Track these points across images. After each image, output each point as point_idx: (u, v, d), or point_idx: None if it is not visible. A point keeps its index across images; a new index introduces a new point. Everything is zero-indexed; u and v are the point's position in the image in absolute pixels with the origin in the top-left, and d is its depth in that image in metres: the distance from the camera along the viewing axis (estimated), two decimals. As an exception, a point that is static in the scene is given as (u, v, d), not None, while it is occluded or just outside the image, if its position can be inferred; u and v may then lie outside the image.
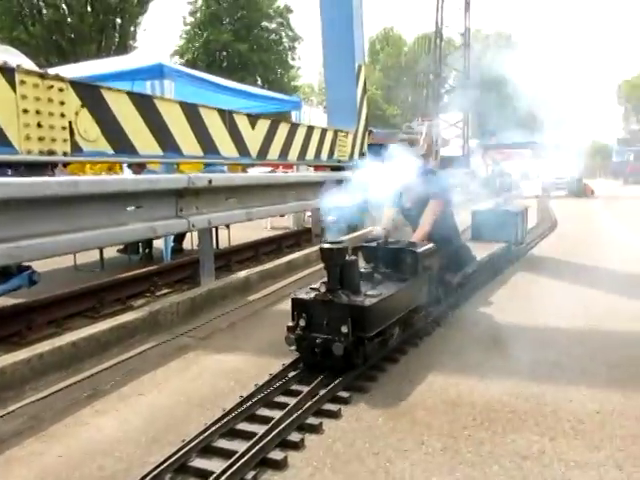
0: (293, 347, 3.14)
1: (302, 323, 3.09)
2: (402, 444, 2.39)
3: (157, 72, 6.94)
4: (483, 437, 2.43)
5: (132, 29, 35.41)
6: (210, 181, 4.90)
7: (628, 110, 70.33)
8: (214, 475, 2.07)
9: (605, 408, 2.67)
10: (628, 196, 19.48)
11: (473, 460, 2.25)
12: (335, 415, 2.66)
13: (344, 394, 2.85)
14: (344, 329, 2.94)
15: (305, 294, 3.21)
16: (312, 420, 2.58)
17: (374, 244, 3.80)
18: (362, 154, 11.16)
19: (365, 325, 2.98)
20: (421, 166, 4.54)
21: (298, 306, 3.15)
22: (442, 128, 22.09)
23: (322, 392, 2.80)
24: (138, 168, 6.81)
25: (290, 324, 3.16)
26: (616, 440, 2.36)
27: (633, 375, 3.07)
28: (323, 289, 3.11)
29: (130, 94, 5.26)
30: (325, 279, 3.17)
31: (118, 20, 34.49)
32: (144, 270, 5.85)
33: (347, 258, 3.17)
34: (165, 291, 5.57)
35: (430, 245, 3.86)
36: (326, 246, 3.13)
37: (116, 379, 3.22)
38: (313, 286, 3.26)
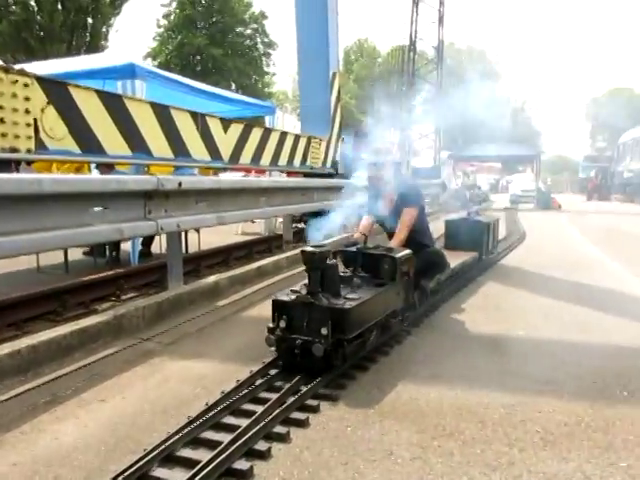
0: (273, 348, 3.18)
1: (282, 324, 3.13)
2: (371, 454, 2.34)
3: (128, 72, 6.81)
4: (452, 447, 2.40)
5: (104, 30, 34.94)
6: (180, 183, 4.80)
7: (595, 127, 72.24)
8: (176, 486, 2.00)
9: (573, 419, 2.66)
10: (593, 211, 19.91)
11: (443, 471, 2.21)
12: (303, 424, 2.59)
13: (313, 402, 2.79)
14: (324, 331, 2.99)
15: (286, 296, 3.23)
16: (279, 429, 2.51)
17: (354, 249, 3.88)
18: (335, 162, 11.17)
19: (345, 327, 3.03)
20: (396, 175, 4.66)
21: (279, 308, 3.19)
22: (414, 139, 22.31)
23: (290, 400, 2.74)
24: (106, 169, 6.66)
25: (270, 325, 3.18)
26: (584, 451, 2.35)
27: (599, 387, 3.08)
28: (304, 291, 3.17)
29: (99, 92, 5.15)
30: (305, 282, 3.22)
31: (90, 20, 34.00)
32: (110, 273, 5.70)
33: (328, 262, 3.23)
34: (131, 295, 5.44)
35: (407, 251, 3.93)
36: (308, 249, 3.17)
37: (77, 385, 3.10)
38: (293, 288, 3.31)
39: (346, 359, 3.14)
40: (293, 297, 3.18)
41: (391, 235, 4.56)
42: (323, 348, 2.94)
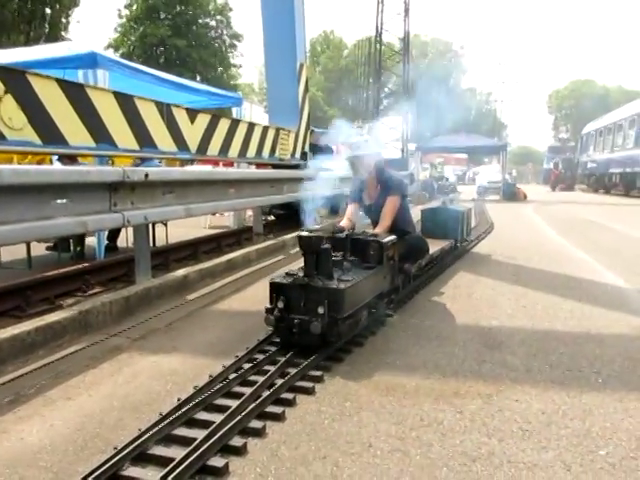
0: (271, 327, 3.39)
1: (280, 305, 3.31)
2: (349, 447, 2.30)
3: (90, 61, 6.61)
4: (431, 438, 2.37)
5: (64, 20, 34.06)
6: (147, 175, 4.67)
7: (558, 119, 73.73)
8: (149, 486, 1.92)
9: (550, 408, 2.66)
10: (558, 201, 20.28)
11: (422, 463, 2.18)
12: (279, 418, 2.53)
13: (288, 395, 2.73)
14: (320, 310, 3.20)
15: (282, 278, 3.41)
16: (255, 423, 2.44)
17: (343, 235, 4.01)
18: (304, 153, 11.09)
19: (339, 307, 3.24)
20: (378, 166, 4.81)
21: (276, 289, 3.38)
22: (381, 131, 22.34)
23: (265, 394, 2.68)
24: (69, 161, 6.45)
25: (268, 306, 3.38)
26: (563, 440, 2.34)
27: (574, 374, 3.10)
28: (301, 274, 3.39)
29: (60, 81, 4.98)
30: (300, 266, 3.49)
31: (48, 10, 33.10)
32: (75, 268, 5.53)
33: (322, 246, 3.42)
34: (98, 290, 5.28)
35: (393, 237, 4.13)
36: (304, 234, 3.41)
37: (42, 383, 2.98)
38: (289, 272, 3.49)
39: (341, 336, 3.33)
40: (290, 279, 3.36)
41: (375, 223, 4.73)
42: (320, 326, 3.14)
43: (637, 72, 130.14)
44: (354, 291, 3.38)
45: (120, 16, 40.79)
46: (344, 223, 4.61)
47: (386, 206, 4.62)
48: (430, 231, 6.46)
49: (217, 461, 2.13)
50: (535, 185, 39.64)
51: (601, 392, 2.85)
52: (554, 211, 15.43)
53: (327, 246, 3.49)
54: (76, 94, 5.11)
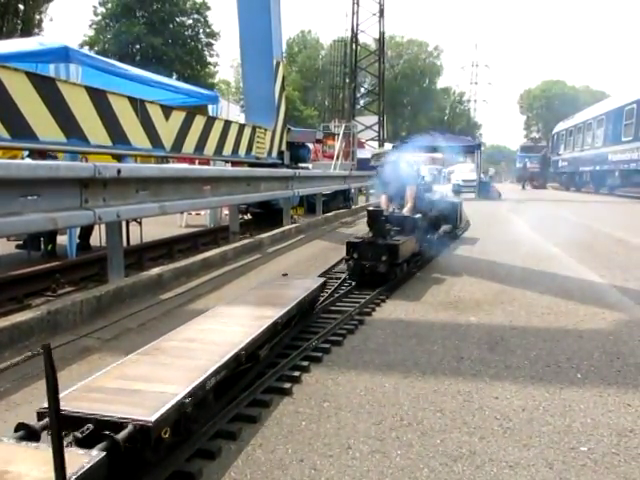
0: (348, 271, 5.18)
1: (355, 256, 5.01)
2: (328, 449, 2.23)
3: (62, 55, 6.45)
4: (411, 438, 2.32)
5: (37, 17, 33.48)
6: (119, 171, 4.54)
7: (530, 118, 74.75)
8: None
9: (530, 404, 2.63)
10: (529, 199, 20.51)
11: (402, 464, 2.12)
12: (254, 420, 2.45)
13: (264, 397, 2.66)
14: (384, 258, 4.91)
15: (355, 239, 5.22)
16: (229, 426, 2.36)
17: (387, 213, 5.69)
18: (281, 152, 11.02)
19: (396, 256, 5.00)
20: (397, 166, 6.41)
21: (352, 246, 5.09)
22: (358, 130, 22.37)
23: (242, 395, 2.60)
24: (39, 157, 6.28)
25: (346, 257, 5.14)
26: (544, 437, 2.31)
27: (553, 370, 3.08)
28: (369, 236, 5.19)
29: (29, 75, 4.85)
30: (365, 231, 5.46)
31: (21, 6, 32.50)
32: (45, 266, 5.38)
33: (381, 217, 5.30)
34: (69, 289, 5.15)
35: (419, 215, 5.98)
36: (371, 209, 5.46)
37: (6, 386, 2.85)
38: (358, 236, 5.40)
39: (396, 275, 5.12)
40: (360, 239, 5.16)
41: (401, 206, 6.23)
42: (385, 267, 4.90)
43: (603, 73, 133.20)
44: (402, 247, 5.09)
45: (96, 13, 40.25)
46: (384, 205, 6.15)
47: (407, 193, 6.19)
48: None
49: (191, 466, 2.06)
50: (508, 183, 40.06)
51: (581, 387, 2.84)
52: (528, 208, 15.59)
53: (384, 217, 5.33)
54: (46, 88, 4.98)
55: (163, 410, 1.87)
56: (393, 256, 4.92)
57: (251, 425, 2.42)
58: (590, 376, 2.98)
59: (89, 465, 1.53)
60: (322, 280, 4.33)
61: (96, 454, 1.60)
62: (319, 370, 3.08)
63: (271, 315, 3.14)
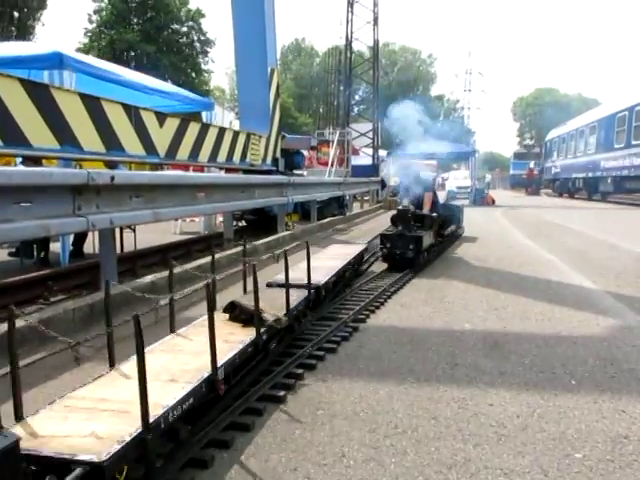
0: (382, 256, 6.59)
1: (388, 245, 6.39)
2: (321, 457, 2.22)
3: (55, 61, 6.43)
4: (406, 446, 2.30)
5: (32, 23, 33.46)
6: (113, 178, 4.53)
7: (523, 126, 75.10)
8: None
9: (525, 411, 2.63)
10: (523, 205, 20.55)
11: (397, 472, 2.11)
12: (247, 428, 2.43)
13: (258, 405, 2.64)
14: (411, 247, 6.26)
15: (387, 231, 6.81)
16: (222, 435, 2.35)
17: (410, 212, 6.85)
18: (275, 159, 11.02)
19: (420, 245, 6.34)
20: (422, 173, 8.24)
21: (385, 237, 6.53)
22: (352, 137, 22.40)
23: (236, 404, 2.58)
24: (33, 164, 6.25)
25: (380, 246, 6.57)
26: (539, 444, 2.31)
27: (547, 376, 3.08)
28: (398, 229, 6.58)
29: (23, 81, 4.84)
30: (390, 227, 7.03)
31: (16, 13, 32.50)
32: (37, 274, 5.35)
33: (408, 215, 6.68)
34: (61, 297, 5.11)
35: (435, 214, 7.32)
36: (401, 208, 6.94)
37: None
38: (388, 229, 7.03)
39: (420, 261, 6.45)
40: (392, 232, 6.59)
41: (420, 207, 7.43)
42: (413, 254, 6.24)
43: (595, 81, 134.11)
44: (424, 239, 6.40)
45: (90, 21, 40.27)
46: (407, 204, 7.18)
47: (425, 198, 7.48)
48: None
49: (183, 475, 2.04)
50: (502, 190, 40.17)
51: (575, 394, 2.83)
52: (521, 215, 15.64)
53: (409, 214, 6.67)
54: (40, 94, 4.96)
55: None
56: (419, 245, 6.26)
57: (244, 433, 2.40)
58: (584, 382, 2.98)
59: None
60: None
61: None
62: (313, 377, 3.06)
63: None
